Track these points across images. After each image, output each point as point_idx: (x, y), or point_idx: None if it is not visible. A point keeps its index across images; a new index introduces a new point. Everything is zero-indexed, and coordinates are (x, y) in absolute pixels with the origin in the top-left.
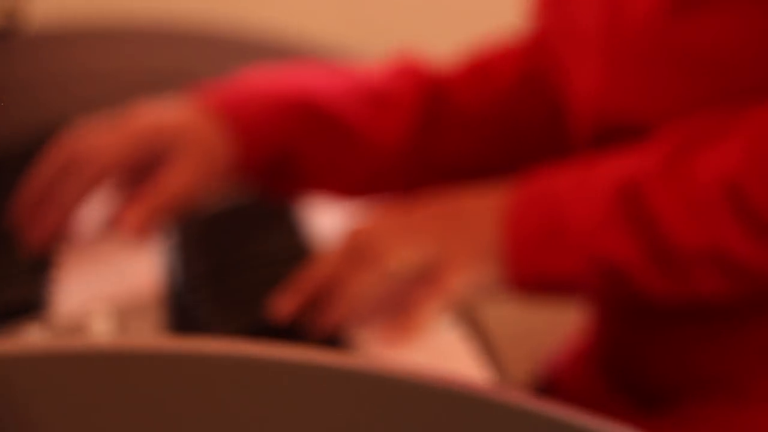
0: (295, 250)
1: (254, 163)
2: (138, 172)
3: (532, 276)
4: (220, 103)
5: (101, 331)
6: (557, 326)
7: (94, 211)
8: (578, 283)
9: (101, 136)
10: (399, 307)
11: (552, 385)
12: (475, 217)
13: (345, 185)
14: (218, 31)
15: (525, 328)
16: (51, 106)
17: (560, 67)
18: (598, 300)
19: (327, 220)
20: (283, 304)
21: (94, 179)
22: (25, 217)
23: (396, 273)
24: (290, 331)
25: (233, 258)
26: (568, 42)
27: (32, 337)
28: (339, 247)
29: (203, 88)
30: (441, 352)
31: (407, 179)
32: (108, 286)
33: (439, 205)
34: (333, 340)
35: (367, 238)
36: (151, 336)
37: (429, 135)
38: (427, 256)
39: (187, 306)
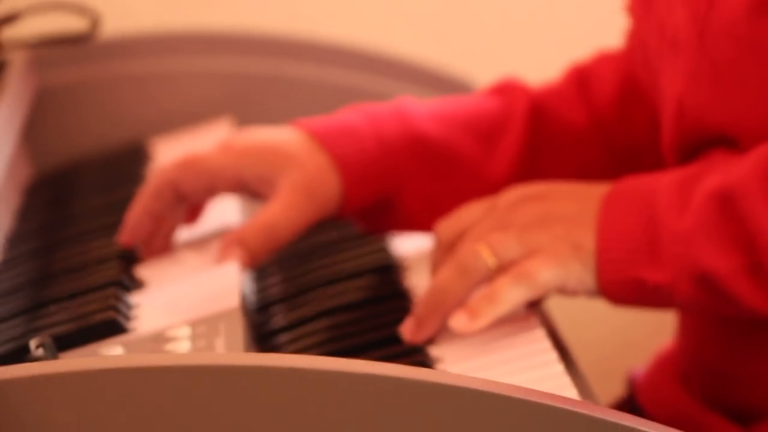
0: (370, 266)
1: (360, 201)
2: (249, 190)
3: (623, 280)
4: (328, 138)
5: (181, 349)
6: (646, 346)
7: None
8: (671, 289)
9: (211, 153)
10: (480, 291)
11: (639, 403)
12: (569, 212)
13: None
14: (304, 40)
15: (611, 349)
16: (135, 109)
17: (651, 71)
18: (690, 313)
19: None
20: (415, 333)
21: (202, 197)
22: (132, 233)
23: (485, 268)
24: (365, 352)
25: (310, 275)
26: (657, 45)
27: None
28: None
29: (314, 120)
30: (528, 372)
31: None
32: (190, 304)
33: (532, 197)
34: (413, 355)
35: (458, 236)
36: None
37: (536, 154)
38: (518, 249)
39: (262, 324)
